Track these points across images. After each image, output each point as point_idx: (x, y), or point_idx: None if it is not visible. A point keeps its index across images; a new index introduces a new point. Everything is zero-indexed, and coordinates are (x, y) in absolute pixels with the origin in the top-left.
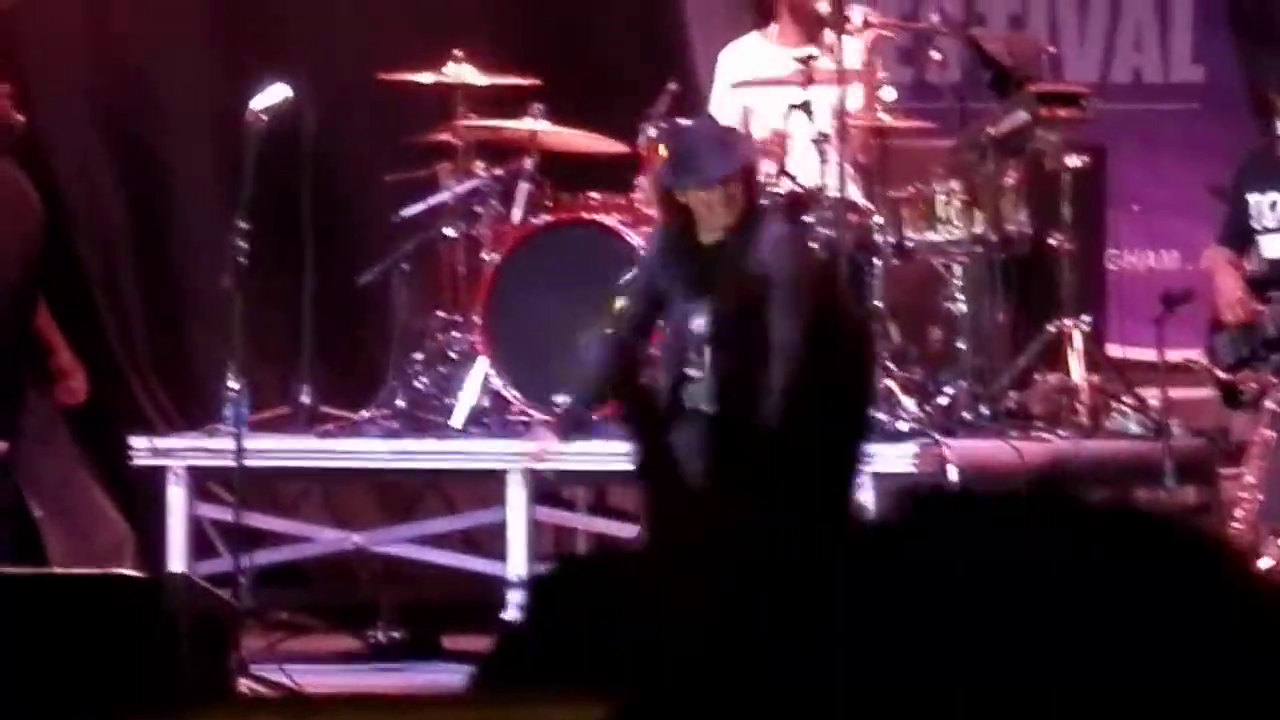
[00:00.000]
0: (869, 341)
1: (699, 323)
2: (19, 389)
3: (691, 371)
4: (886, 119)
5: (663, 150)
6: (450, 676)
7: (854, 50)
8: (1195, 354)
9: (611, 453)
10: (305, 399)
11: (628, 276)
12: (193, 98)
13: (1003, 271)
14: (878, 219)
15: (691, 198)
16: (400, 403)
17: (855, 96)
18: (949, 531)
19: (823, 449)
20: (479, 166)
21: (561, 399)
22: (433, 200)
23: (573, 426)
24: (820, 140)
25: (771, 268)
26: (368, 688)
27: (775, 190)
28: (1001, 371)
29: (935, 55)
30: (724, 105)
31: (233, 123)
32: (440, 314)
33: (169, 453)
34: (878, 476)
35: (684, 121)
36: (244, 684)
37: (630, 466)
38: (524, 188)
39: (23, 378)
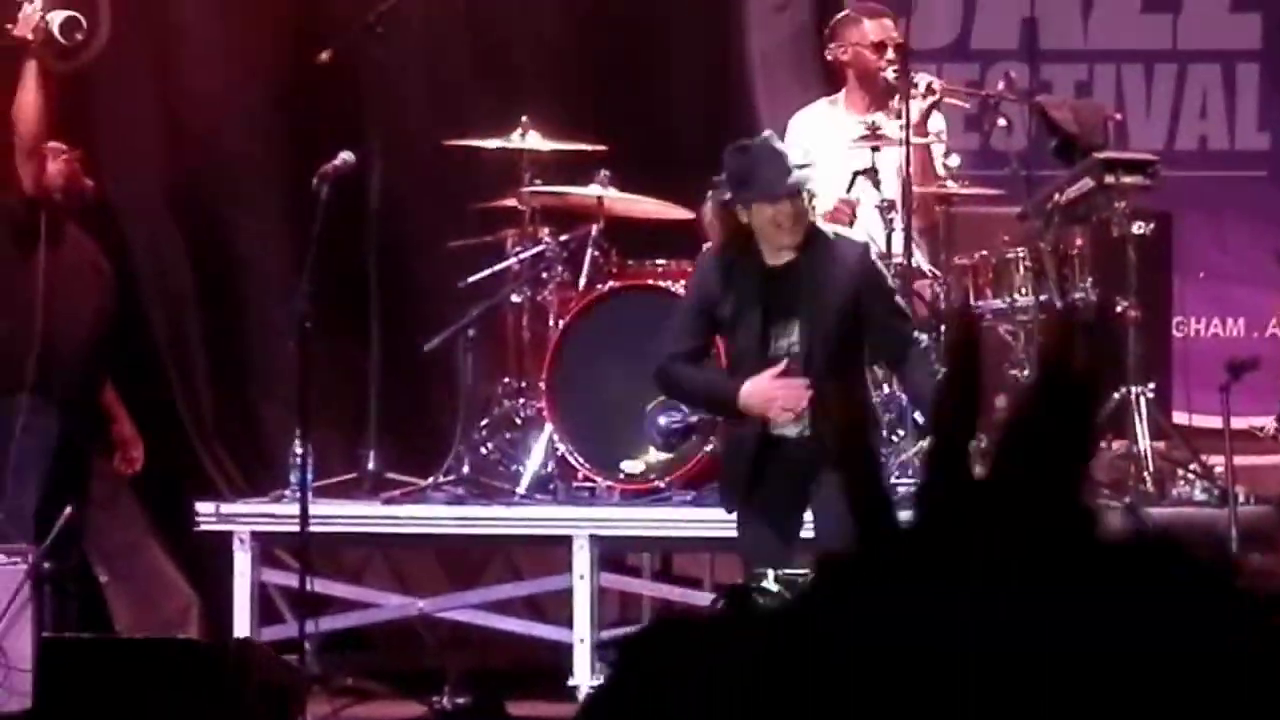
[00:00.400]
0: (1100, 389)
1: (784, 344)
2: (87, 454)
3: None
4: (952, 185)
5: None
6: None
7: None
8: (1261, 421)
9: (677, 519)
10: (371, 465)
11: (678, 315)
12: (260, 163)
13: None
14: (943, 286)
15: (755, 215)
16: (465, 469)
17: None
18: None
19: (1041, 494)
20: (545, 233)
21: (628, 465)
22: (498, 266)
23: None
24: (885, 207)
25: (859, 271)
26: None
27: None
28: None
29: (1001, 122)
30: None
31: (300, 188)
32: (506, 380)
33: (235, 518)
34: None
35: (744, 141)
36: None
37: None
38: (590, 254)
39: (91, 443)
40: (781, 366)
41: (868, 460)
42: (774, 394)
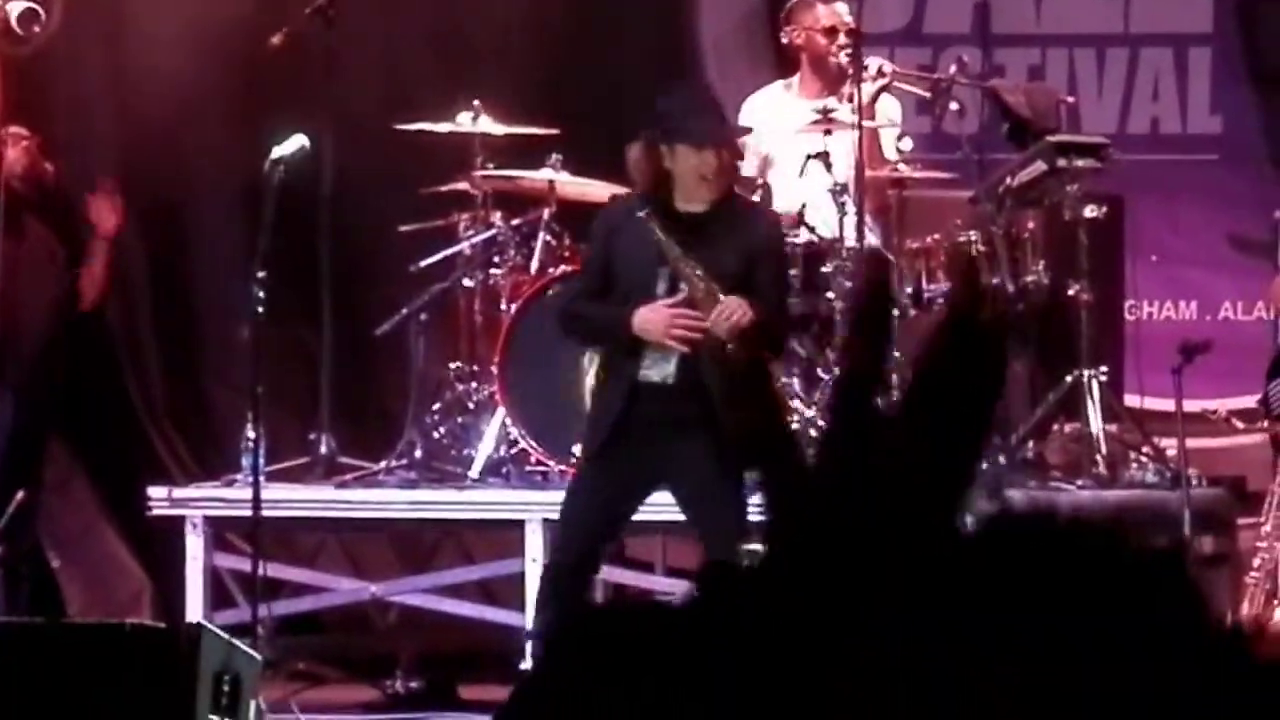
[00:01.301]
0: (1004, 345)
1: (677, 290)
2: (41, 440)
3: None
4: (904, 169)
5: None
6: None
7: (890, 108)
8: (1214, 404)
9: None
10: (323, 449)
11: (584, 250)
12: (211, 149)
13: (1021, 322)
14: (895, 269)
15: (679, 160)
16: (418, 453)
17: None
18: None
19: (943, 447)
20: (497, 217)
21: (580, 449)
22: (450, 250)
23: None
24: (838, 190)
25: (764, 242)
26: None
27: (793, 240)
28: (1019, 422)
29: (954, 106)
30: (745, 155)
31: (250, 173)
32: (458, 364)
33: (187, 503)
34: None
35: (681, 83)
36: None
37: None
38: (541, 238)
39: (45, 429)
40: (679, 297)
41: (779, 442)
42: (670, 319)
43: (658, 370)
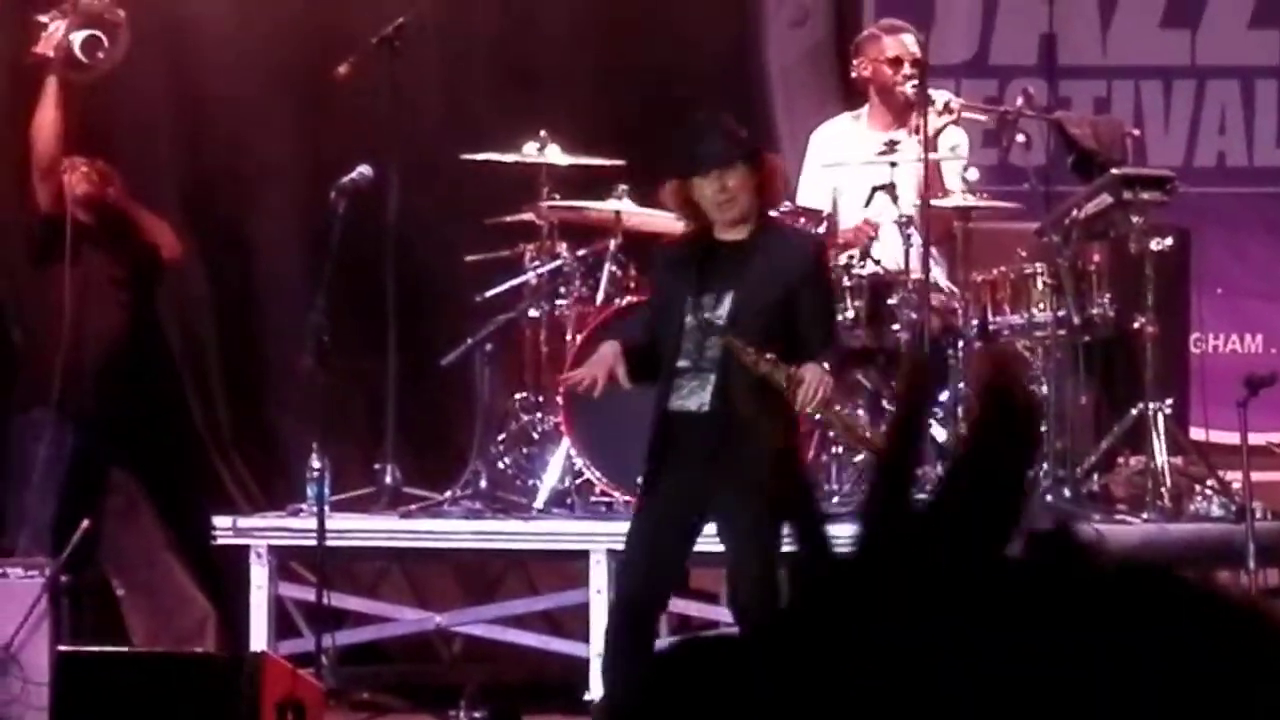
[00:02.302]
0: (1038, 417)
1: (718, 313)
2: (104, 468)
3: (682, 363)
4: (970, 200)
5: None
6: None
7: (951, 134)
8: (1278, 437)
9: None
10: (388, 479)
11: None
12: (276, 178)
13: (1086, 354)
14: (961, 301)
15: (697, 191)
16: (483, 483)
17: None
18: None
19: (980, 519)
20: (562, 247)
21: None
22: (516, 281)
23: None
24: (904, 223)
25: (803, 266)
26: None
27: (859, 272)
28: (1084, 455)
29: (1020, 138)
30: (813, 186)
31: (316, 203)
32: (523, 395)
33: (252, 532)
34: None
35: (692, 115)
36: None
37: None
38: (607, 269)
39: (109, 457)
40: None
41: (800, 486)
42: (597, 358)
43: (694, 399)
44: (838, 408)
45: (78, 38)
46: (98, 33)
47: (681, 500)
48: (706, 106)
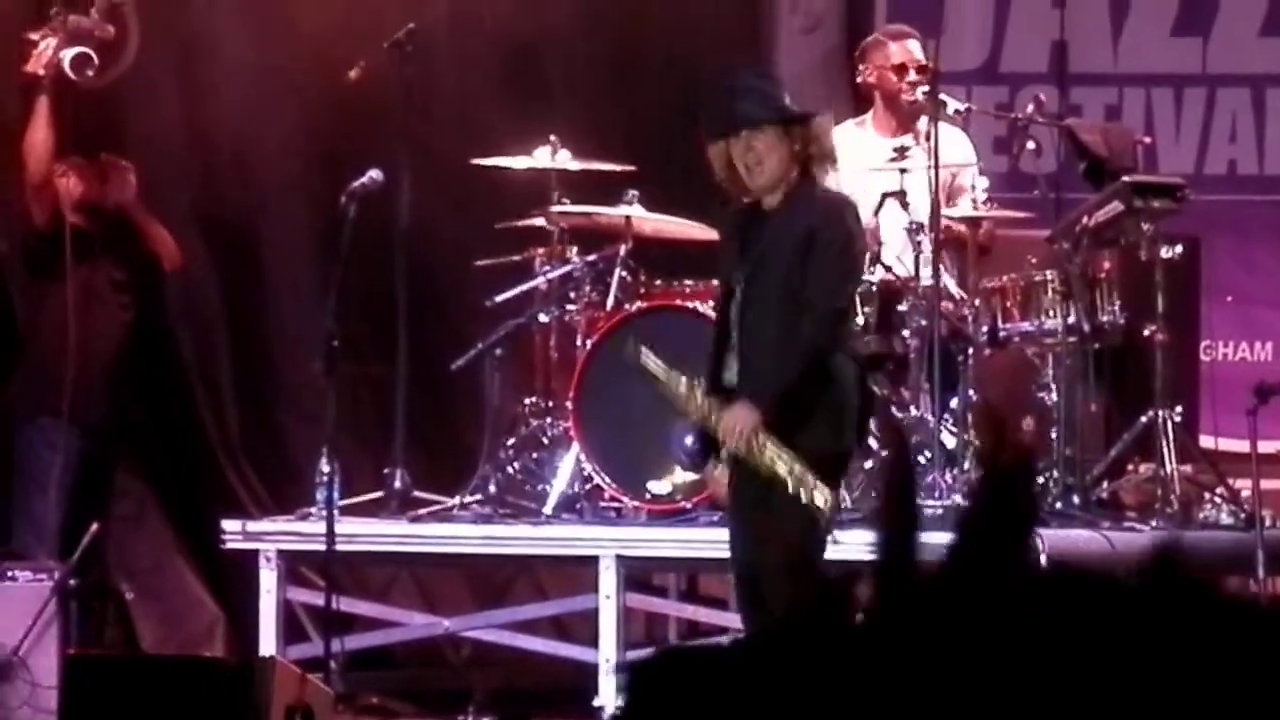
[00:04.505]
0: (1033, 481)
1: (741, 289)
2: (111, 472)
3: (734, 334)
4: (981, 210)
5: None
6: None
7: (949, 139)
8: None
9: (704, 539)
10: (397, 483)
11: None
12: (287, 182)
13: (1096, 362)
14: (971, 308)
15: (734, 154)
16: (492, 488)
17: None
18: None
19: (991, 567)
20: (573, 252)
21: (655, 486)
22: (526, 286)
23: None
24: (913, 229)
25: (817, 227)
26: None
27: (868, 279)
28: (1094, 462)
29: (1030, 145)
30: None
31: (327, 207)
32: (533, 400)
33: (261, 536)
34: None
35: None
36: None
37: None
38: (617, 274)
39: (115, 461)
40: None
41: (906, 497)
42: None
43: (729, 372)
44: (764, 447)
45: (67, 56)
46: (87, 50)
47: (745, 470)
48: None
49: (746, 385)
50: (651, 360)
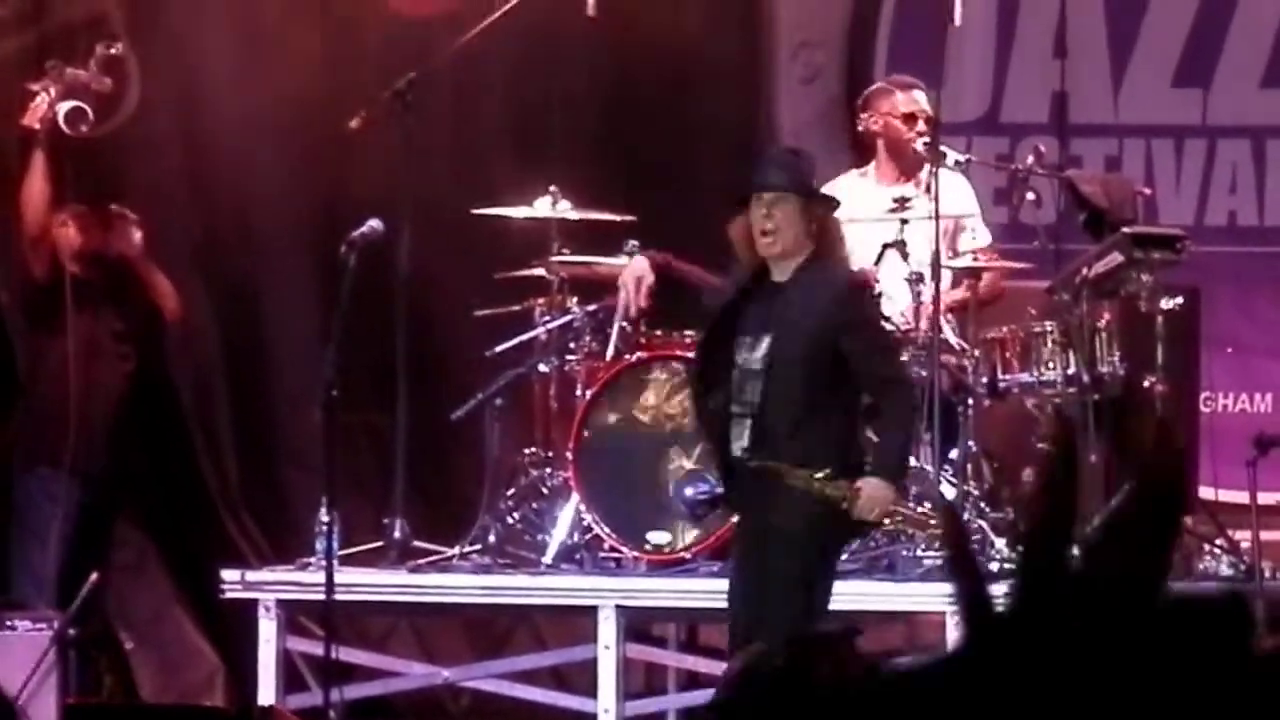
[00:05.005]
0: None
1: (755, 356)
2: (110, 521)
3: (734, 408)
4: (981, 261)
5: None
6: None
7: (950, 189)
8: None
9: (703, 590)
10: (397, 533)
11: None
12: (287, 231)
13: (1096, 413)
14: (971, 359)
15: (753, 218)
16: (492, 538)
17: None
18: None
19: (1129, 589)
20: (572, 302)
21: (654, 536)
22: (526, 336)
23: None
24: (914, 280)
25: (842, 309)
26: None
27: None
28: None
29: (1030, 196)
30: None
31: (327, 256)
32: (532, 450)
33: (260, 585)
34: None
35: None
36: None
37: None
38: (617, 324)
39: (115, 511)
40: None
41: (968, 553)
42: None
43: (738, 444)
44: (899, 514)
45: (62, 110)
46: (82, 105)
47: (754, 543)
48: (717, 162)
49: (763, 453)
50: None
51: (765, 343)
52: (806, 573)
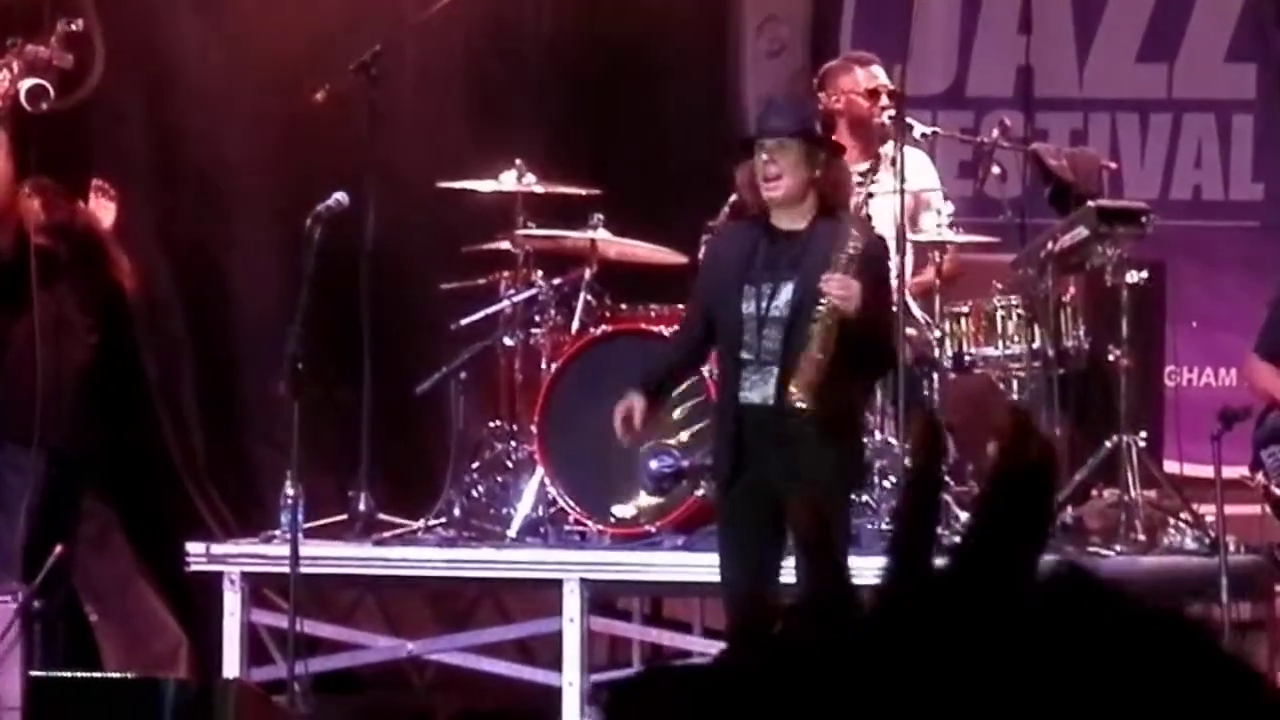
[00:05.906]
0: (1056, 461)
1: (777, 303)
2: (77, 494)
3: (745, 355)
4: (947, 235)
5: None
6: None
7: (914, 164)
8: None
9: (668, 563)
10: (362, 506)
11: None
12: (252, 204)
13: (1060, 386)
14: (936, 333)
15: (756, 164)
16: (456, 511)
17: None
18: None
19: (1006, 567)
20: (538, 276)
21: (619, 510)
22: (491, 309)
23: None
24: None
25: (863, 265)
26: None
27: None
28: (1057, 487)
29: (995, 170)
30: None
31: (292, 229)
32: (497, 423)
33: (225, 559)
34: None
35: None
36: None
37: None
38: (583, 298)
39: (81, 484)
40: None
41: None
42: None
43: (758, 392)
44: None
45: (23, 87)
46: (43, 83)
47: (763, 495)
48: (682, 135)
49: (790, 401)
50: None
51: (788, 289)
52: (840, 519)
